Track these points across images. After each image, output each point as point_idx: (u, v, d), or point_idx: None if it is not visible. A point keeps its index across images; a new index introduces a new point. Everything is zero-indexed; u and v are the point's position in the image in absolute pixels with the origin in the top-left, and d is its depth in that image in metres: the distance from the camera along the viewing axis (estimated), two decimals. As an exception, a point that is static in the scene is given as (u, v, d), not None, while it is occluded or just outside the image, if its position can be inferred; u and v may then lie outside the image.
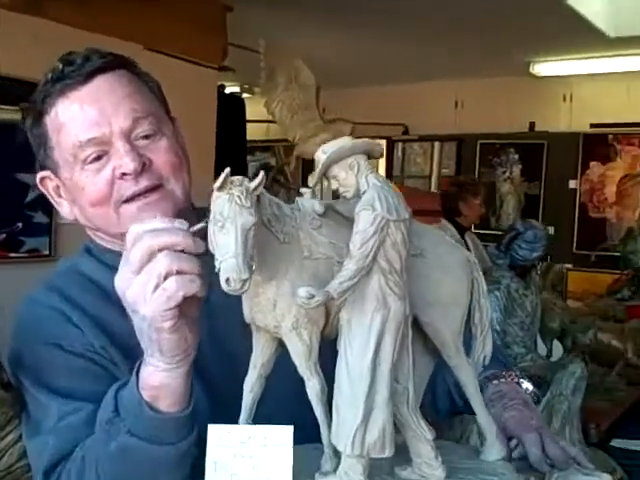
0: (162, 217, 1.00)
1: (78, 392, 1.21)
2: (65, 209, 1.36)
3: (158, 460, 1.06)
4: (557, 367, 2.34)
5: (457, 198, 4.82)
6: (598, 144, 6.33)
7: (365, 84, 7.18)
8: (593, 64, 6.59)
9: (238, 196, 0.85)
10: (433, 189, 6.95)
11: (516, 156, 6.67)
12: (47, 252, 3.84)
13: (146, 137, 1.27)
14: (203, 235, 0.94)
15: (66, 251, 3.86)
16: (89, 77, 1.25)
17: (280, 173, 6.33)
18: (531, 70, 6.81)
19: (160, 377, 1.02)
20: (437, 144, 7.05)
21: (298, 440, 0.94)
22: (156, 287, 0.94)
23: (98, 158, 1.25)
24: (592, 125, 6.41)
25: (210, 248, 0.87)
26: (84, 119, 1.24)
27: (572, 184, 6.39)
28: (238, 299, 0.95)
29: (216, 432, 0.88)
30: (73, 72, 1.25)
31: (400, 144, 7.27)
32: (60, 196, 1.35)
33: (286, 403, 1.08)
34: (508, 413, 1.30)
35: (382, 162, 6.94)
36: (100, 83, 1.26)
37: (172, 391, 1.03)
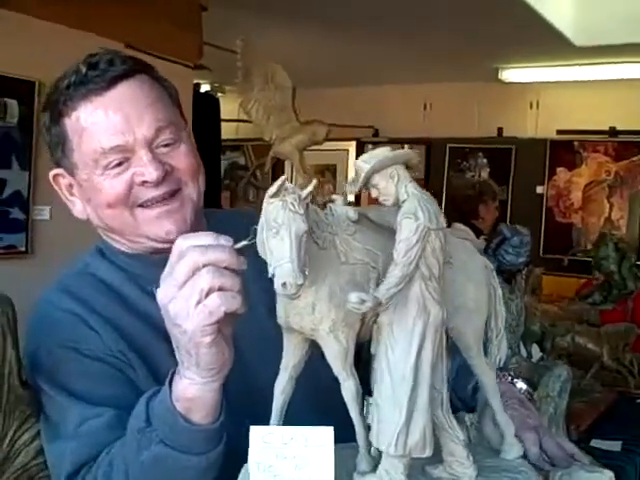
0: (208, 233, 1.00)
1: (97, 396, 1.23)
2: (77, 207, 1.37)
3: (189, 469, 1.08)
4: (541, 369, 2.39)
5: (477, 200, 4.81)
6: (564, 150, 6.44)
7: (336, 85, 7.22)
8: (560, 72, 6.71)
9: (292, 203, 0.87)
10: (402, 192, 6.99)
11: (485, 160, 6.76)
12: (24, 249, 3.82)
13: (166, 145, 1.29)
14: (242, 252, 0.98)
15: (43, 248, 3.85)
16: (113, 83, 1.26)
17: (254, 175, 6.32)
18: (499, 76, 6.91)
19: (194, 390, 1.04)
20: (407, 147, 7.10)
21: None
22: (198, 302, 0.96)
23: (119, 164, 1.26)
24: (559, 132, 6.53)
25: (261, 254, 0.89)
26: (108, 126, 1.25)
27: (539, 189, 6.50)
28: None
29: (259, 433, 0.90)
30: (97, 77, 1.26)
31: (370, 146, 7.33)
32: (72, 194, 1.36)
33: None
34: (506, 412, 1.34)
35: (352, 165, 6.98)
36: (124, 89, 1.27)
37: (205, 404, 1.06)
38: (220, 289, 0.96)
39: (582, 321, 3.24)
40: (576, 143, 6.40)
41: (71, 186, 1.35)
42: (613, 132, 6.29)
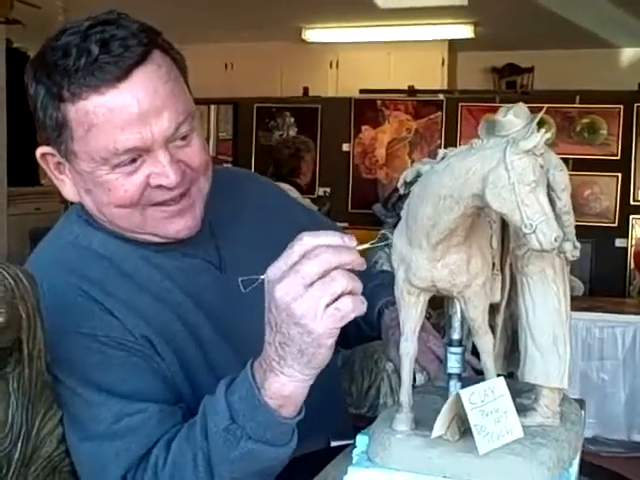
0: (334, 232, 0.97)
1: (129, 390, 1.15)
2: (68, 189, 1.23)
3: (275, 460, 1.08)
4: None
5: (297, 158, 4.84)
6: (368, 109, 6.66)
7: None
8: (361, 32, 6.95)
9: (538, 158, 0.85)
10: (211, 153, 6.95)
11: (292, 119, 6.84)
12: None
13: (183, 138, 1.18)
14: None
15: None
16: (128, 71, 1.10)
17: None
18: (302, 36, 7.03)
19: (293, 387, 1.02)
20: (213, 107, 7.04)
21: None
22: (328, 304, 0.94)
23: (132, 160, 1.14)
24: (361, 91, 6.76)
25: (498, 208, 0.84)
26: (124, 125, 1.10)
27: (345, 147, 6.69)
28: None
29: (465, 397, 0.89)
30: (109, 64, 1.09)
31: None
32: (62, 172, 1.22)
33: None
34: None
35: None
36: (140, 77, 1.11)
37: (298, 399, 1.04)
38: (350, 293, 0.94)
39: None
40: (379, 102, 6.64)
41: (60, 164, 1.21)
42: (412, 91, 6.60)
